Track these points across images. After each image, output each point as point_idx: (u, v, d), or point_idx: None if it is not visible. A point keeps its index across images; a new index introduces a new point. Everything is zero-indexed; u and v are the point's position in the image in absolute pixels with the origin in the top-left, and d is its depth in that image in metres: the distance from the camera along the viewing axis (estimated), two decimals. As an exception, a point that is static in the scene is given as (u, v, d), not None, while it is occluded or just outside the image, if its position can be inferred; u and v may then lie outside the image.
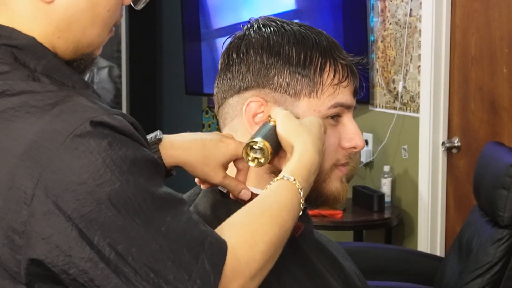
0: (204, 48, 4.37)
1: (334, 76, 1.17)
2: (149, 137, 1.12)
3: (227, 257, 0.93)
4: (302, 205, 1.05)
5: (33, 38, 0.97)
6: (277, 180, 1.06)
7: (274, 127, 1.12)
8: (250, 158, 1.11)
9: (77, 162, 0.88)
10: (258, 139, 1.10)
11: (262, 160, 1.10)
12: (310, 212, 1.28)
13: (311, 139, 1.10)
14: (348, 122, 1.19)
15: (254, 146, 1.10)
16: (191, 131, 1.17)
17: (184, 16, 4.47)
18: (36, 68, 0.96)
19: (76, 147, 0.89)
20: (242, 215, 1.00)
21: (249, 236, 0.96)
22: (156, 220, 0.90)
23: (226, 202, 1.17)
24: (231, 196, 1.17)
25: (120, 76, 4.97)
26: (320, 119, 1.15)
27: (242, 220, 0.99)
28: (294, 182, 1.05)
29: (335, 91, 1.17)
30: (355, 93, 1.20)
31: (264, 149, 1.09)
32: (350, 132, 1.19)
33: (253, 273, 0.95)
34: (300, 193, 1.05)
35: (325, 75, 1.17)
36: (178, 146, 1.13)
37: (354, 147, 1.19)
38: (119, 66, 4.92)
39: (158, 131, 1.15)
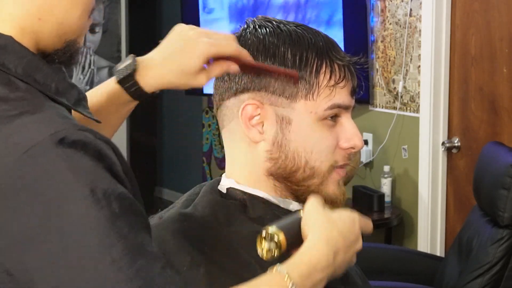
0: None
1: (330, 77, 1.16)
2: (123, 66, 1.12)
3: None
4: None
5: (10, 37, 0.93)
6: (269, 272, 0.95)
7: (300, 219, 1.02)
8: (263, 247, 0.98)
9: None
10: (272, 228, 0.97)
11: (275, 253, 0.97)
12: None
13: (329, 235, 1.00)
14: (346, 122, 1.18)
15: (265, 236, 0.97)
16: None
17: (184, 16, 4.47)
18: (16, 69, 0.92)
19: (31, 164, 0.83)
20: None
21: None
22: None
23: (225, 203, 1.16)
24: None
25: (120, 76, 4.96)
26: (356, 215, 1.07)
27: None
28: (285, 279, 0.93)
29: (331, 92, 1.16)
30: (353, 93, 1.19)
31: (277, 241, 0.97)
32: (349, 132, 1.18)
33: None
34: None
35: (321, 76, 1.15)
36: (153, 75, 1.12)
37: (353, 147, 1.18)
38: (119, 66, 4.92)
39: (131, 59, 1.13)
